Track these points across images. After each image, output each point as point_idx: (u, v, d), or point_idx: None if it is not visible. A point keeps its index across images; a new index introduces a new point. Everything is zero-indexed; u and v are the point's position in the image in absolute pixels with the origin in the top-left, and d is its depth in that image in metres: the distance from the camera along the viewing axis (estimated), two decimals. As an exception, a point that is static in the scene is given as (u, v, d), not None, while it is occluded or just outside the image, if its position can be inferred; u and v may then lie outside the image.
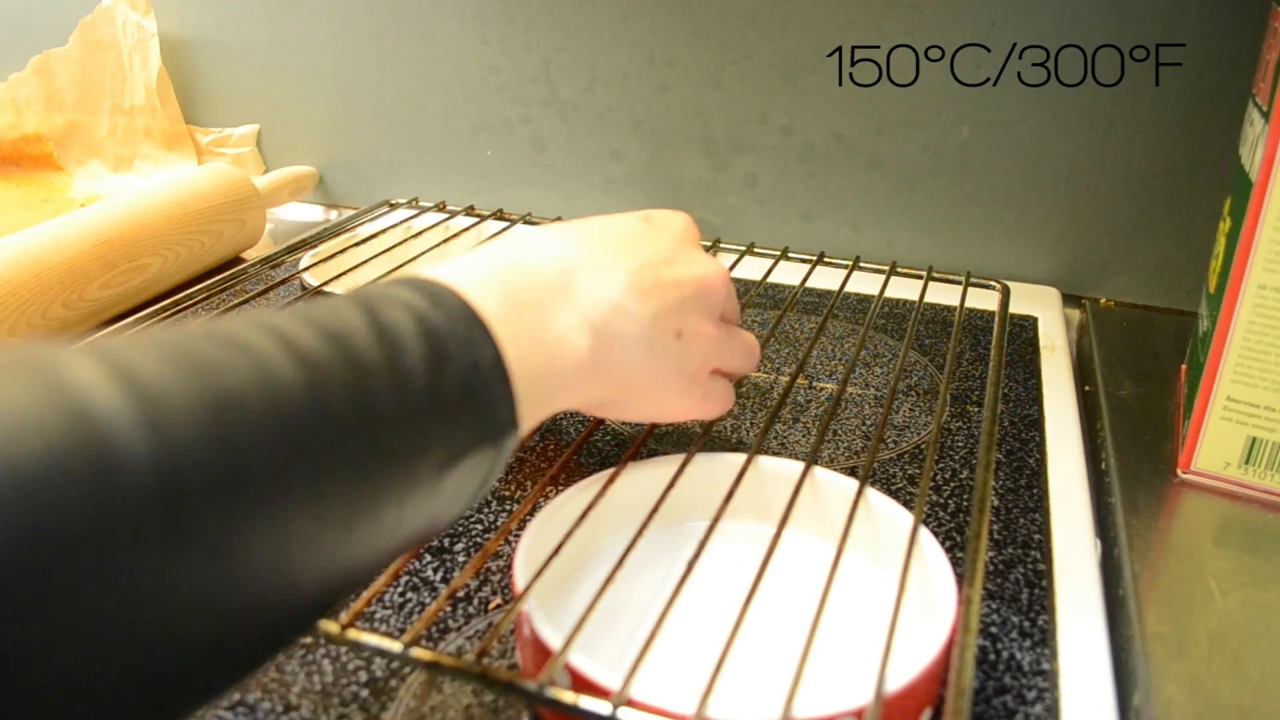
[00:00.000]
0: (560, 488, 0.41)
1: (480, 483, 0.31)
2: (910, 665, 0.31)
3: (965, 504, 0.49)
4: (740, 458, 0.43)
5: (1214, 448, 0.48)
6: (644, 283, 0.37)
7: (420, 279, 0.32)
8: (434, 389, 0.28)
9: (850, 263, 0.64)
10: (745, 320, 0.71)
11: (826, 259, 0.64)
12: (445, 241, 0.71)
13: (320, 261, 0.68)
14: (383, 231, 0.72)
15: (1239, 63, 0.66)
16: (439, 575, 0.44)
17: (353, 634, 0.33)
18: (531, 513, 0.39)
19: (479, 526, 0.47)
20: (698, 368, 0.40)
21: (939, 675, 0.34)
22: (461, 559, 0.45)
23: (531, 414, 0.33)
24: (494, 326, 0.31)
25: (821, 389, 0.61)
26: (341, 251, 0.69)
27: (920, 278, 0.62)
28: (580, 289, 0.36)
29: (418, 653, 0.32)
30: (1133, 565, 0.43)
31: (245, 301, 0.60)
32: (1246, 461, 0.48)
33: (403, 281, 0.32)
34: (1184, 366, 0.57)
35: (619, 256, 0.38)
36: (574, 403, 0.37)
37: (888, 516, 0.40)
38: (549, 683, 0.30)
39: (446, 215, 0.75)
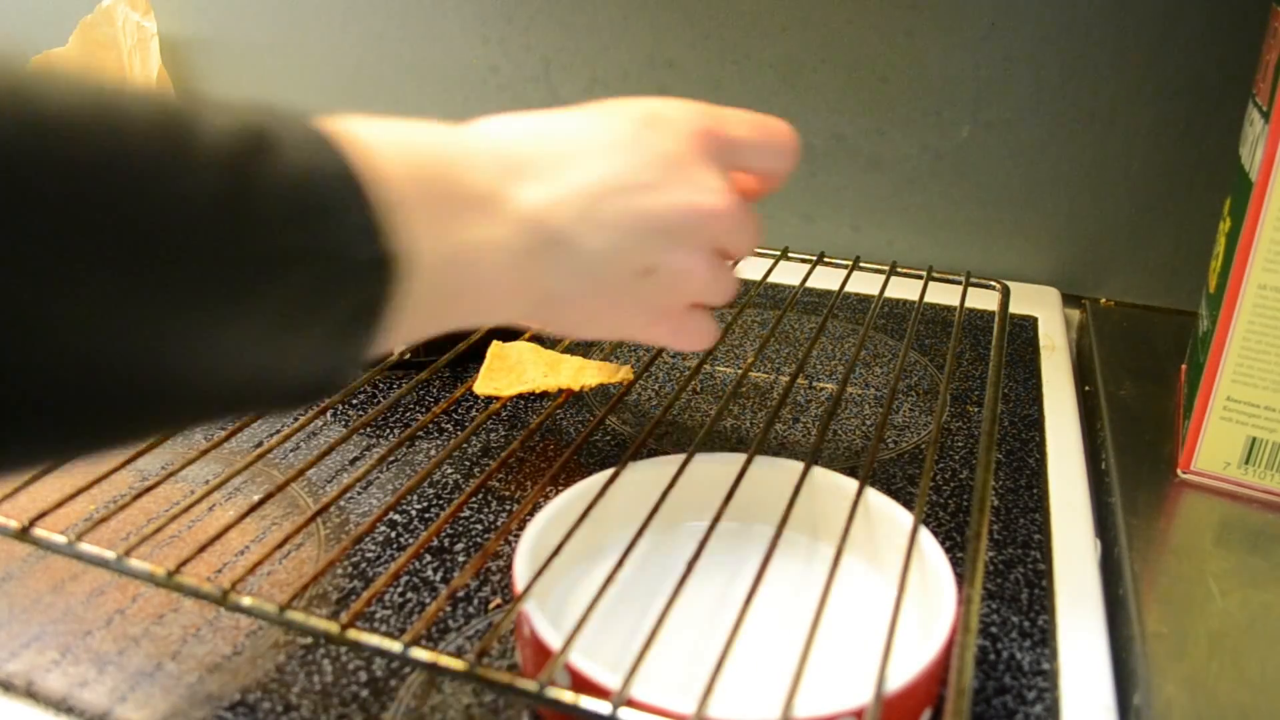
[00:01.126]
0: (560, 488, 0.41)
1: (349, 321, 0.27)
2: (910, 665, 0.31)
3: (965, 504, 0.49)
4: (740, 458, 0.42)
5: (1214, 448, 0.48)
6: (605, 212, 0.32)
7: (312, 125, 0.27)
8: (237, 178, 0.24)
9: (850, 263, 0.64)
10: (745, 320, 0.71)
11: (826, 259, 0.64)
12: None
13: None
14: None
15: (1239, 63, 0.66)
16: (439, 575, 0.44)
17: (353, 634, 0.33)
18: (531, 513, 0.39)
19: (479, 526, 0.47)
20: (668, 304, 0.36)
21: (939, 675, 0.34)
22: (461, 559, 0.45)
23: (423, 273, 0.28)
24: (375, 187, 0.26)
25: (821, 389, 0.61)
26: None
27: (920, 278, 0.62)
28: (517, 202, 0.31)
29: (418, 653, 0.32)
30: (1133, 565, 0.43)
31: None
32: (1246, 461, 0.48)
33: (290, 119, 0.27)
34: (1184, 366, 0.57)
35: (583, 171, 0.33)
36: (494, 315, 0.33)
37: (888, 516, 0.40)
38: (549, 683, 0.30)
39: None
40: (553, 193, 0.32)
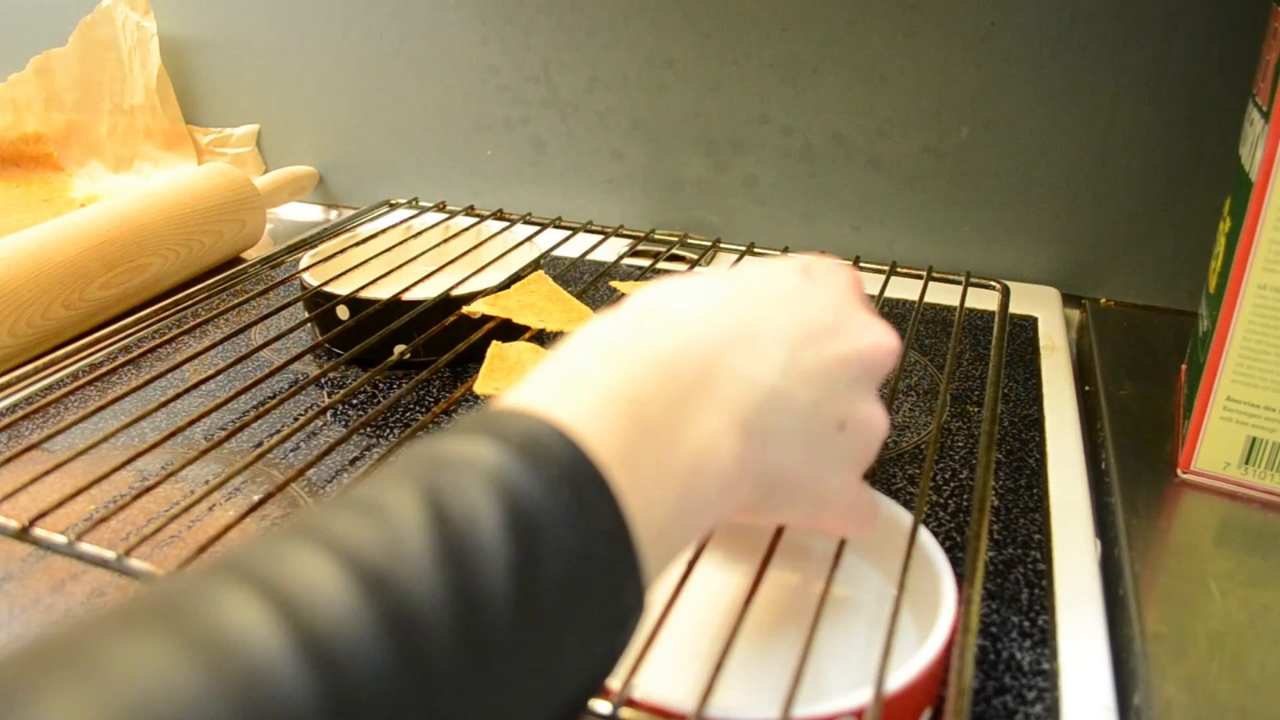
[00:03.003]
0: (560, 488, 0.41)
1: (603, 660, 0.25)
2: (910, 665, 0.31)
3: (965, 504, 0.49)
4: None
5: (1214, 448, 0.48)
6: (807, 361, 0.30)
7: (518, 413, 0.25)
8: (523, 604, 0.22)
9: (850, 263, 0.64)
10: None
11: (826, 259, 0.64)
12: (445, 241, 0.71)
13: (320, 261, 0.68)
14: (383, 231, 0.72)
15: (1239, 63, 0.66)
16: (439, 575, 0.44)
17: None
18: (531, 513, 0.39)
19: (479, 526, 0.47)
20: (856, 466, 0.33)
21: (939, 675, 0.34)
22: (461, 559, 0.45)
23: (660, 567, 0.26)
24: (615, 474, 0.24)
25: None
26: (341, 251, 0.69)
27: (920, 278, 0.62)
28: (728, 374, 0.28)
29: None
30: (1133, 565, 0.43)
31: (245, 301, 0.60)
32: (1246, 461, 0.48)
33: (492, 422, 0.25)
34: (1184, 366, 0.57)
35: (775, 324, 0.30)
36: (713, 525, 0.29)
37: (888, 516, 0.40)
38: (549, 683, 0.30)
39: (446, 215, 0.75)
40: (758, 353, 0.29)
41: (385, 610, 0.20)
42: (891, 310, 0.72)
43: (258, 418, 0.46)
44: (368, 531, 0.21)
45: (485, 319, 0.56)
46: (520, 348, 0.52)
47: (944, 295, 0.73)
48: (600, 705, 0.29)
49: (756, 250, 0.67)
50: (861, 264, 0.64)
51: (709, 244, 0.69)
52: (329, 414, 0.59)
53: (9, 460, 0.42)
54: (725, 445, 0.27)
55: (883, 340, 0.32)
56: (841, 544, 0.36)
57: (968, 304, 0.59)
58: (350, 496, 0.23)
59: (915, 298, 0.59)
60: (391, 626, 0.20)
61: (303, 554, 0.21)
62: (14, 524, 0.38)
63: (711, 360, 0.28)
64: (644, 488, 0.25)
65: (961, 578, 0.35)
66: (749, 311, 0.30)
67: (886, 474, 0.51)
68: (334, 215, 0.95)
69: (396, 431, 0.56)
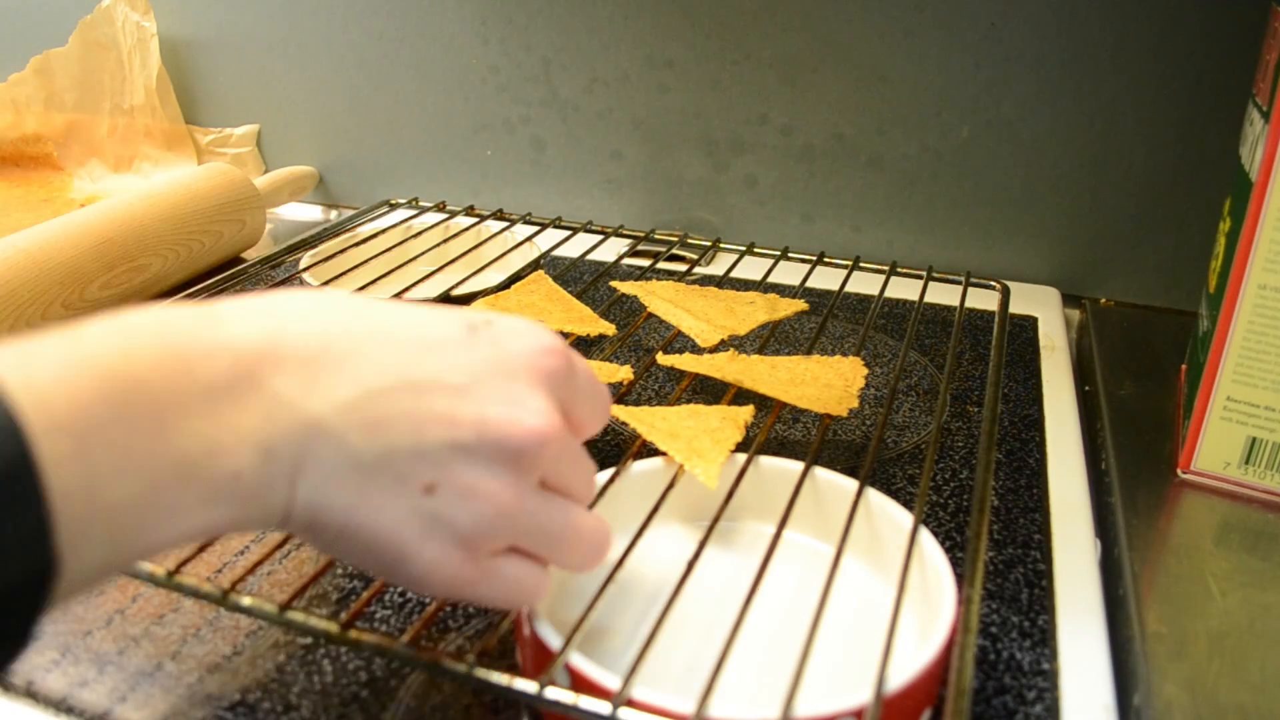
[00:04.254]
0: (560, 488, 0.41)
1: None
2: (910, 665, 0.31)
3: (965, 504, 0.49)
4: (740, 458, 0.43)
5: (1214, 448, 0.48)
6: (386, 409, 0.28)
7: None
8: None
9: (850, 263, 0.64)
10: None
11: (826, 259, 0.64)
12: (445, 241, 0.71)
13: (320, 261, 0.68)
14: (383, 231, 0.72)
15: (1239, 63, 0.66)
16: (439, 575, 0.44)
17: (353, 634, 0.33)
18: (531, 513, 0.39)
19: (479, 526, 0.47)
20: (466, 537, 0.29)
21: (939, 675, 0.34)
22: (461, 559, 0.45)
23: (109, 543, 0.24)
24: (50, 437, 0.23)
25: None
26: (341, 251, 0.69)
27: (920, 278, 0.62)
28: (266, 393, 0.27)
29: (417, 653, 0.32)
30: (1133, 565, 0.43)
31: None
32: (1246, 461, 0.48)
33: None
34: (1184, 366, 0.57)
35: (369, 363, 0.28)
36: (214, 530, 0.27)
37: (888, 516, 0.40)
38: (549, 683, 0.30)
39: (446, 215, 0.75)
40: (315, 383, 0.28)
41: None
42: (892, 310, 0.72)
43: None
44: None
45: (485, 319, 0.56)
46: (520, 348, 0.52)
47: (944, 295, 0.73)
48: (600, 706, 0.30)
49: (756, 250, 0.67)
50: (861, 264, 0.64)
51: (709, 244, 0.69)
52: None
53: (9, 460, 0.42)
54: (227, 461, 0.26)
55: (521, 421, 0.29)
56: (841, 544, 0.36)
57: (968, 304, 0.59)
58: None
59: (915, 298, 0.59)
60: None
61: None
62: (14, 524, 0.38)
63: (251, 372, 0.27)
64: (92, 461, 0.24)
65: (961, 578, 0.35)
66: (349, 343, 0.29)
67: (886, 474, 0.52)
68: (334, 215, 0.95)
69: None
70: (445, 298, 0.59)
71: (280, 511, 0.28)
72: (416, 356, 0.29)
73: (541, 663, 0.33)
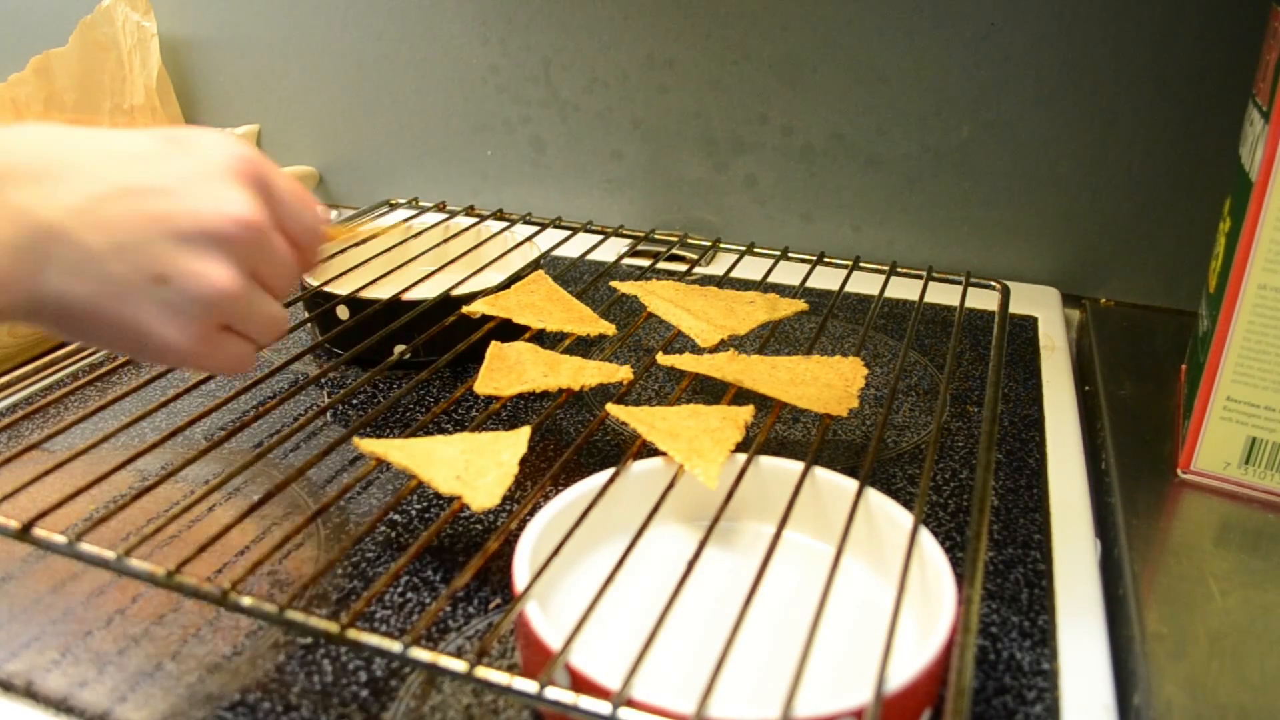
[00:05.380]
0: (560, 488, 0.41)
1: None
2: (910, 665, 0.31)
3: (965, 504, 0.49)
4: (740, 458, 0.43)
5: (1214, 448, 0.48)
6: (109, 212, 0.33)
7: None
8: None
9: (850, 263, 0.64)
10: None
11: (826, 259, 0.64)
12: (445, 241, 0.71)
13: (320, 261, 0.68)
14: (383, 231, 0.72)
15: (1239, 63, 0.66)
16: (439, 575, 0.44)
17: (353, 634, 0.33)
18: (531, 513, 0.39)
19: (479, 527, 0.47)
20: (194, 317, 0.35)
21: (939, 675, 0.34)
22: (461, 559, 0.45)
23: None
24: None
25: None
26: (341, 251, 0.69)
27: (920, 278, 0.62)
28: (4, 203, 0.31)
29: (417, 653, 0.32)
30: (1133, 565, 0.43)
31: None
32: (1246, 461, 0.48)
33: None
34: (1184, 366, 0.57)
35: (90, 174, 0.33)
36: None
37: (888, 516, 0.40)
38: (549, 683, 0.30)
39: (446, 215, 0.75)
40: (46, 192, 0.32)
41: None
42: (892, 310, 0.72)
43: (257, 418, 0.46)
44: None
45: (485, 319, 0.56)
46: (520, 348, 0.52)
47: (944, 295, 0.73)
48: (600, 706, 0.30)
49: (756, 250, 0.67)
50: (861, 264, 0.64)
51: (709, 244, 0.69)
52: (329, 414, 0.59)
53: (9, 460, 0.42)
54: None
55: (225, 208, 0.34)
56: (841, 544, 0.36)
57: (968, 304, 0.59)
58: None
59: (915, 298, 0.59)
60: None
61: None
62: (14, 524, 0.38)
63: None
64: None
65: (961, 578, 0.35)
66: (73, 158, 0.33)
67: (886, 474, 0.52)
68: (334, 215, 0.95)
69: (396, 431, 0.56)
70: (445, 298, 0.59)
71: (27, 303, 0.32)
72: (129, 165, 0.34)
73: (541, 663, 0.33)
